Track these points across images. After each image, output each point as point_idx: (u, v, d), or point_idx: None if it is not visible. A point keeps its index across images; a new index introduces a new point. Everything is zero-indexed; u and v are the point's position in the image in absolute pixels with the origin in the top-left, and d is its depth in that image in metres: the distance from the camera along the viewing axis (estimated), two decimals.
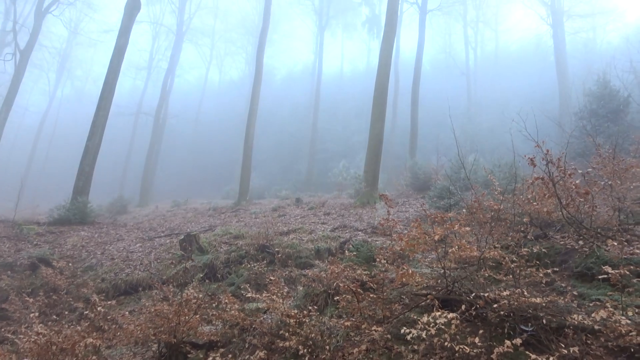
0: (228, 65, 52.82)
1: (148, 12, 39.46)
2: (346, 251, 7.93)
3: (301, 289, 6.98)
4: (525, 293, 5.00)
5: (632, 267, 5.24)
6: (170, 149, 42.54)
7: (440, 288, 5.85)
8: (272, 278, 6.24)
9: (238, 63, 51.99)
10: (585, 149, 13.82)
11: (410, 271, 5.50)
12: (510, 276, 5.66)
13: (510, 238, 6.50)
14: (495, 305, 4.91)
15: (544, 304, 4.92)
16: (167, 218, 17.81)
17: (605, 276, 5.11)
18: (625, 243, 6.06)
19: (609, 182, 6.96)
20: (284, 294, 5.99)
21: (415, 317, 5.23)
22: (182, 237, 10.86)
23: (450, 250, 5.97)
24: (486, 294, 5.08)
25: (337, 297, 5.76)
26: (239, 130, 36.25)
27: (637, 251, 5.72)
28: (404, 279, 5.59)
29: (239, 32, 47.32)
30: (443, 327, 4.56)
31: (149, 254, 11.21)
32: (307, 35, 48.64)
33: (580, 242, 6.32)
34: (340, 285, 5.75)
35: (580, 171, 7.10)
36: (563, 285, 5.56)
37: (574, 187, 6.38)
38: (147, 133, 34.74)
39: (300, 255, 9.57)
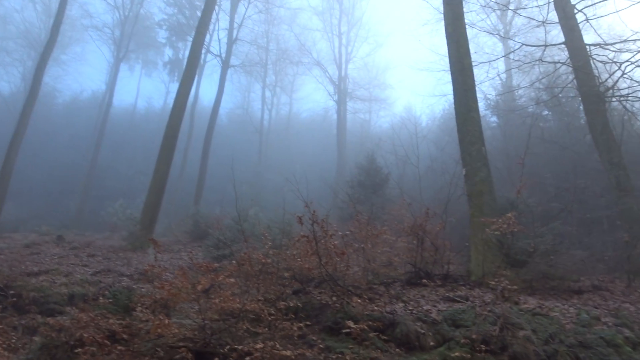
0: None
1: None
2: (100, 297, 7.20)
3: (38, 340, 6.02)
4: (278, 346, 5.17)
5: (371, 322, 5.86)
6: None
7: (198, 340, 5.66)
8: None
9: (13, 77, 45.33)
10: (353, 215, 15.42)
11: (167, 322, 5.23)
12: (268, 329, 5.80)
13: (273, 291, 6.72)
14: (247, 358, 4.94)
15: (293, 357, 5.14)
16: None
17: (349, 330, 5.63)
18: (368, 301, 6.79)
19: (362, 245, 7.82)
20: (12, 345, 5.08)
21: None
22: None
23: (213, 302, 5.89)
24: (240, 347, 5.09)
25: (79, 350, 5.11)
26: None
27: (377, 308, 6.45)
28: (159, 330, 5.28)
29: (19, 42, 41.49)
30: None
31: None
32: (100, 63, 45.09)
33: (334, 298, 6.85)
34: (85, 335, 5.14)
35: (340, 233, 7.84)
36: (314, 338, 5.90)
37: (332, 247, 6.98)
38: None
39: (49, 300, 8.37)
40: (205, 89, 40.35)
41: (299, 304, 6.41)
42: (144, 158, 35.79)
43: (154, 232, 15.20)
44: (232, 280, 6.13)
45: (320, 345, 5.62)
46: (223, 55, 29.35)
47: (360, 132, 39.58)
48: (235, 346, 5.14)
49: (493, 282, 6.86)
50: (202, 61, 33.37)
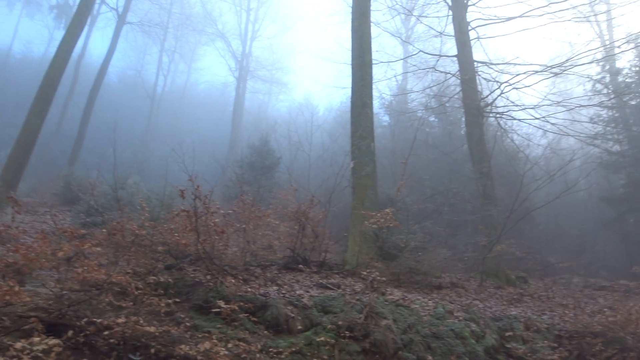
0: None
1: None
2: None
3: None
4: (142, 322, 4.95)
5: (243, 303, 5.84)
6: None
7: (52, 310, 5.23)
8: None
9: None
10: (239, 195, 15.27)
11: (17, 289, 4.76)
12: (133, 303, 5.54)
13: (143, 265, 6.44)
14: (106, 333, 4.67)
15: (157, 334, 4.95)
16: None
17: (219, 310, 5.56)
18: (243, 281, 6.76)
19: (243, 226, 7.77)
20: None
21: (11, 342, 4.49)
22: None
23: (75, 271, 5.48)
24: (100, 320, 4.80)
25: None
26: None
27: (251, 290, 6.44)
28: (7, 297, 4.79)
29: None
30: (41, 354, 4.04)
31: None
32: None
33: (208, 277, 6.72)
34: None
35: (222, 211, 7.71)
36: (182, 316, 5.73)
37: (213, 224, 6.83)
38: None
39: None
40: (96, 44, 37.12)
41: (170, 280, 6.19)
42: (16, 108, 32.05)
43: (17, 191, 13.76)
44: (100, 249, 5.75)
45: (188, 323, 5.48)
46: (120, 9, 27.27)
47: (257, 112, 39.21)
48: (94, 319, 4.82)
49: (365, 273, 7.17)
50: (95, 11, 30.65)
